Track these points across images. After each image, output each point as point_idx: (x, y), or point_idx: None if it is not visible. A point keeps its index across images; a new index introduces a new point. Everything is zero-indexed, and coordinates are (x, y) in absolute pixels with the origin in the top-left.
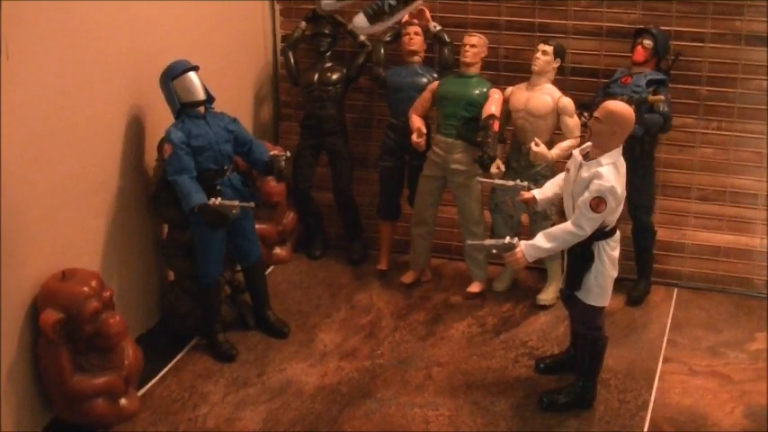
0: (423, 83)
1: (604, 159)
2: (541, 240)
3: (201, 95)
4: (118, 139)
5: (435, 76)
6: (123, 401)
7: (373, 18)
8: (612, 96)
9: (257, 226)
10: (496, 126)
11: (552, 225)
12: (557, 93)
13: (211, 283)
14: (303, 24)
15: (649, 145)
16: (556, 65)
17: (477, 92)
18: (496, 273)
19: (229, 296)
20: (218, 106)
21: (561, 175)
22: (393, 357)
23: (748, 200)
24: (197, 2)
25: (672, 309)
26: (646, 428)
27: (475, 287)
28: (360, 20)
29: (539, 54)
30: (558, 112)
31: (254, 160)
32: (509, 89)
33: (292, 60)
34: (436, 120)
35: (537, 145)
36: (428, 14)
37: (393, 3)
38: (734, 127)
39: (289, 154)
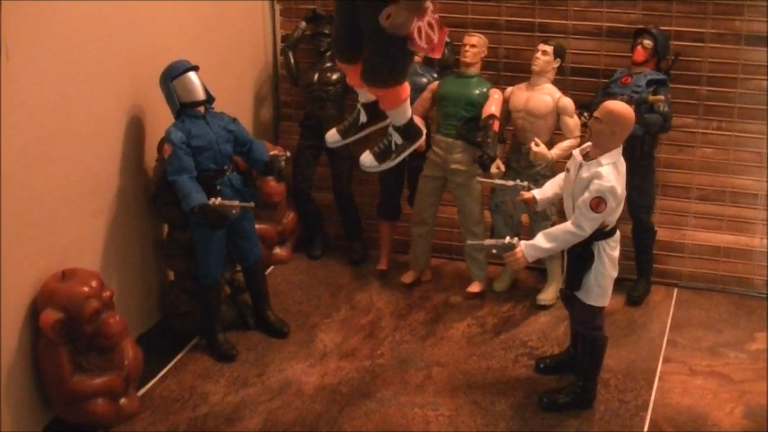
0: (423, 83)
1: (604, 159)
2: (541, 240)
3: (201, 95)
4: (118, 139)
5: (435, 76)
6: (123, 401)
7: (380, 157)
8: (612, 96)
9: (257, 226)
10: (496, 126)
11: (552, 225)
12: (557, 93)
13: (211, 283)
14: (303, 24)
15: (649, 145)
16: (556, 65)
17: (477, 92)
18: (496, 273)
19: (229, 296)
20: (218, 106)
21: (561, 175)
22: (393, 357)
23: (748, 200)
24: (197, 2)
25: (672, 309)
26: (646, 428)
27: (475, 287)
28: (368, 159)
29: (539, 54)
30: (558, 112)
31: (254, 160)
32: (509, 89)
33: (292, 60)
34: (436, 120)
35: (537, 145)
36: None
37: (399, 142)
38: (734, 127)
39: (289, 154)
